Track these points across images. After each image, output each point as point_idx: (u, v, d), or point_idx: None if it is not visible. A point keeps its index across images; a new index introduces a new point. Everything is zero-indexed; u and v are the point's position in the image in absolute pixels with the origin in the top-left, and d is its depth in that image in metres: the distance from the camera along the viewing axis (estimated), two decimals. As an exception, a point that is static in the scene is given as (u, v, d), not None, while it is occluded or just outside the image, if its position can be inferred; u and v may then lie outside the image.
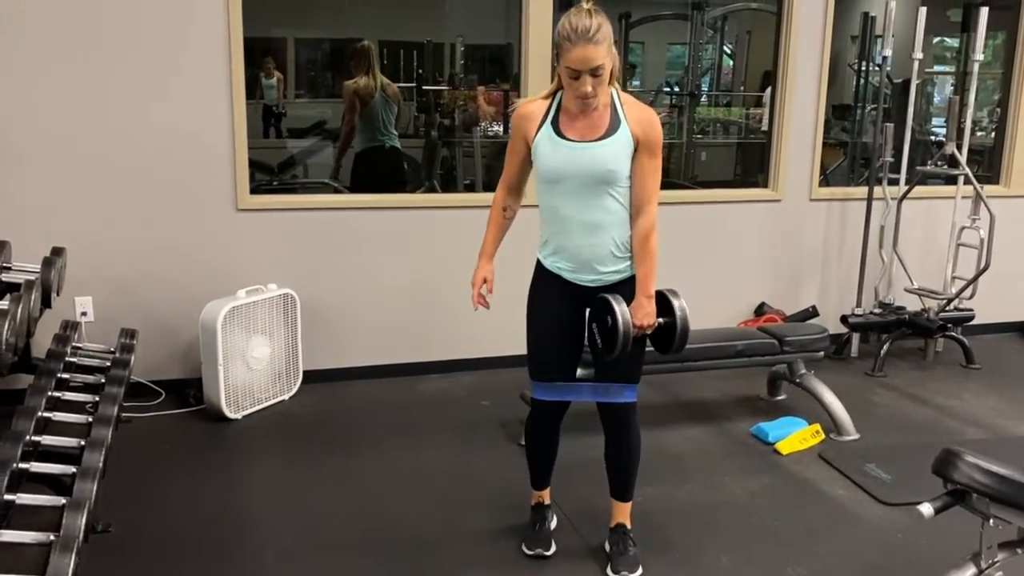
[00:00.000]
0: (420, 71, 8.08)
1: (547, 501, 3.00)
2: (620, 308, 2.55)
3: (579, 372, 2.86)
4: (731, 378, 4.51)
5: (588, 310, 2.71)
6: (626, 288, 2.64)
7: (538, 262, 2.77)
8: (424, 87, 7.66)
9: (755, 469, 3.60)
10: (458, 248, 4.47)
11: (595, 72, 2.43)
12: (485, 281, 2.78)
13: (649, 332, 2.66)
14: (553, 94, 2.62)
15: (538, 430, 2.88)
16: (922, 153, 6.48)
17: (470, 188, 6.52)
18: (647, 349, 2.73)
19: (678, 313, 2.65)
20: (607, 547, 2.87)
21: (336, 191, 6.03)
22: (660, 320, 2.66)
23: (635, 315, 2.59)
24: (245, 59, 4.04)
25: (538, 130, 2.60)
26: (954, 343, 5.07)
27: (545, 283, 2.74)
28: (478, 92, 7.51)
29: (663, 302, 2.67)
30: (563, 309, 2.73)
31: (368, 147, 5.59)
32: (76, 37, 3.81)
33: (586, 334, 2.73)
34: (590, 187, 2.57)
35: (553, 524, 3.00)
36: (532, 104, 2.66)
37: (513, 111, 2.70)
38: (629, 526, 2.87)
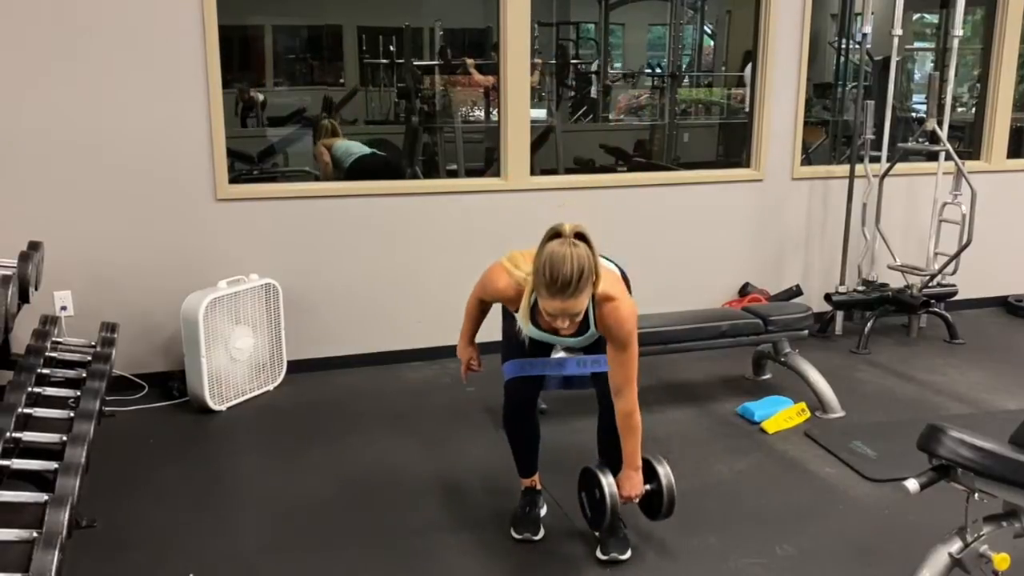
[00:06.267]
0: (398, 57, 8.03)
1: (537, 486, 3.00)
2: (607, 481, 2.65)
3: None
4: (716, 359, 4.52)
5: None
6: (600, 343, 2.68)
7: None
8: (415, 63, 7.61)
9: (741, 449, 3.61)
10: (441, 234, 4.49)
11: (574, 316, 2.42)
12: (471, 360, 2.91)
13: (636, 501, 2.73)
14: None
15: (514, 416, 2.86)
16: (903, 130, 6.50)
17: (452, 174, 6.49)
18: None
19: (663, 480, 2.72)
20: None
21: (316, 179, 6.01)
22: (647, 487, 2.73)
23: (622, 487, 2.68)
24: (222, 57, 4.00)
25: (516, 309, 2.64)
26: (937, 319, 5.09)
27: None
28: (467, 61, 7.49)
29: (648, 469, 2.74)
30: None
31: (352, 162, 5.77)
32: (50, 30, 3.75)
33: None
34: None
35: (543, 511, 2.99)
36: (509, 283, 2.60)
37: (491, 282, 2.66)
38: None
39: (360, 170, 5.64)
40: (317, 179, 5.99)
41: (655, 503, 2.76)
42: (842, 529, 2.99)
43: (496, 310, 2.86)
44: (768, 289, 5.08)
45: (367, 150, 5.92)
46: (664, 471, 2.73)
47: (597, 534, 2.84)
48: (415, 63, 7.57)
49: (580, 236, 2.37)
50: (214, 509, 3.10)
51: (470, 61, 7.57)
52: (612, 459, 2.82)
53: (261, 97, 7.93)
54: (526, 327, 2.64)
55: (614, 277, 2.63)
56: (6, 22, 3.70)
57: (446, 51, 7.99)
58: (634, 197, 4.80)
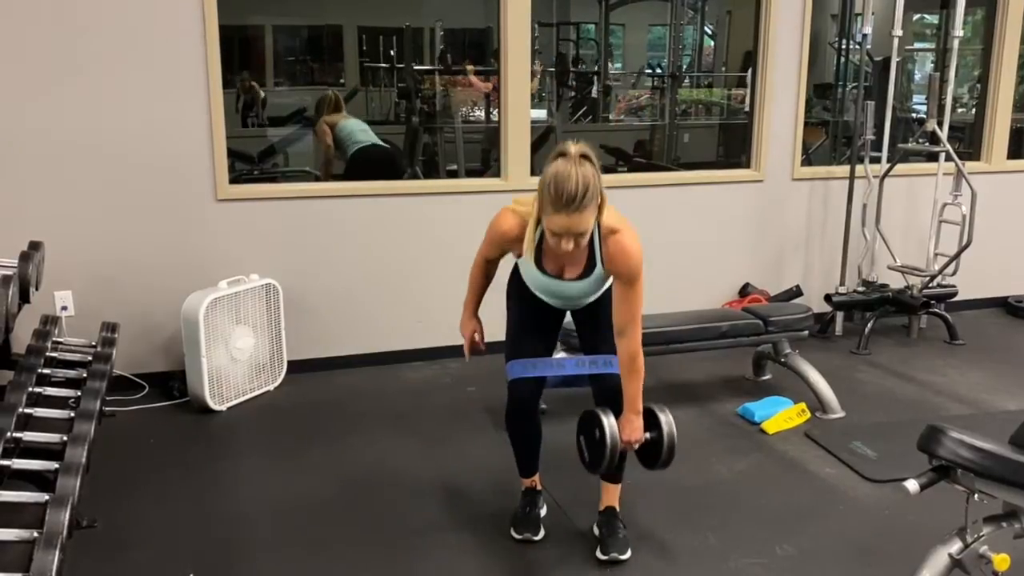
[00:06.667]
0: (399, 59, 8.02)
1: (538, 487, 2.99)
2: (609, 422, 2.59)
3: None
4: (716, 359, 4.52)
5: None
6: (603, 302, 2.67)
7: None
8: (415, 67, 7.59)
9: (741, 449, 3.61)
10: (441, 234, 4.48)
11: (579, 236, 2.40)
12: (475, 333, 2.87)
13: (636, 447, 2.69)
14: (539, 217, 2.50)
15: (516, 415, 2.84)
16: (903, 131, 6.50)
17: (452, 174, 6.50)
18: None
19: (665, 428, 2.67)
20: (596, 530, 2.87)
21: (317, 179, 6.01)
22: (647, 435, 2.68)
23: (623, 430, 2.63)
24: (223, 57, 4.00)
25: (520, 253, 2.62)
26: (937, 319, 5.09)
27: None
28: (467, 68, 7.48)
29: (650, 417, 2.70)
30: (542, 301, 2.78)
31: (355, 151, 5.69)
32: (50, 30, 3.75)
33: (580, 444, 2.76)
34: (572, 300, 2.74)
35: (543, 511, 2.99)
36: (516, 221, 2.60)
37: (497, 227, 2.66)
38: (618, 508, 2.87)
39: (363, 160, 5.59)
40: (317, 179, 5.98)
41: (654, 453, 2.70)
42: (842, 529, 2.99)
43: (500, 299, 2.85)
44: (768, 290, 5.08)
45: (371, 138, 5.79)
46: (666, 419, 2.66)
47: (597, 533, 2.85)
48: (415, 67, 7.55)
49: (585, 157, 2.37)
50: (214, 509, 3.10)
51: (470, 68, 7.56)
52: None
53: (262, 94, 7.93)
54: (530, 270, 2.62)
55: (619, 213, 2.59)
56: (6, 22, 3.70)
57: (446, 55, 7.97)
58: (634, 197, 4.79)
